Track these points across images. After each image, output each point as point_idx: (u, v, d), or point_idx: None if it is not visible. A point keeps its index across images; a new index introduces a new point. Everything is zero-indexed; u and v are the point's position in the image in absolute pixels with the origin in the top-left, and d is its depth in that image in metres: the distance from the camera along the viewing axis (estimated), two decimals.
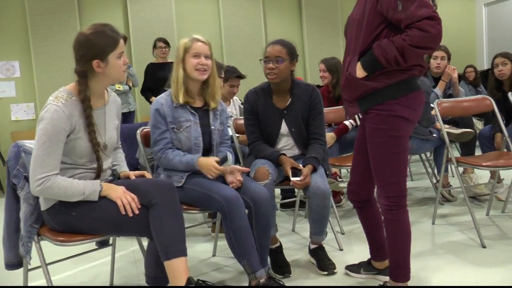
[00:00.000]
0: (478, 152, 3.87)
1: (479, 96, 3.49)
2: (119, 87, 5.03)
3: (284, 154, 2.54)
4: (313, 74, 7.12)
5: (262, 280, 2.08)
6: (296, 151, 2.66)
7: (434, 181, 4.00)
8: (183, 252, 1.86)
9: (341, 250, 2.82)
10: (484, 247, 2.72)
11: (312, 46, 7.41)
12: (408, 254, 2.03)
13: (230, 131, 2.94)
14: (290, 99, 2.60)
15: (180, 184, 2.26)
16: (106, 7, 6.38)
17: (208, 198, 2.16)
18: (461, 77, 6.58)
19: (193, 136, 2.33)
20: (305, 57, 7.44)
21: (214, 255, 2.89)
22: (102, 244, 2.46)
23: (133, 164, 3.31)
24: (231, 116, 3.41)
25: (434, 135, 3.54)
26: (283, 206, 3.83)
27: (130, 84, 5.23)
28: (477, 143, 3.91)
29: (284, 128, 2.62)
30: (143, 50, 6.29)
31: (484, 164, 2.91)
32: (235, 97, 3.73)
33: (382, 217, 2.05)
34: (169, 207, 1.89)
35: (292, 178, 2.38)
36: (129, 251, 3.07)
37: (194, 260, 2.85)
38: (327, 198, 2.35)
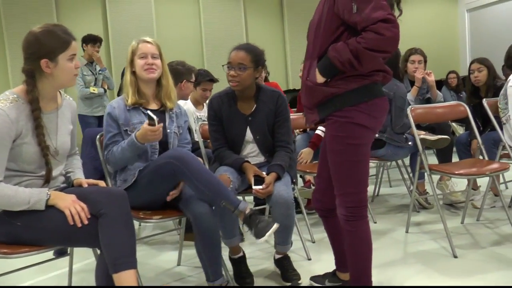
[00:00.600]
0: (456, 158, 3.84)
1: (453, 102, 3.46)
2: (94, 90, 4.94)
3: (247, 161, 2.47)
4: (295, 76, 7.07)
5: (247, 211, 2.08)
6: (261, 158, 2.59)
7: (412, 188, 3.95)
8: (132, 265, 1.78)
9: (309, 259, 2.76)
10: (455, 256, 2.68)
11: (294, 48, 7.33)
12: (369, 266, 1.97)
13: (196, 136, 2.86)
14: (255, 105, 2.53)
15: (134, 179, 2.20)
16: (84, 8, 6.29)
17: (160, 168, 2.13)
18: (443, 82, 6.57)
19: None
20: (286, 59, 7.39)
21: (179, 264, 2.81)
22: (60, 254, 2.37)
23: (101, 170, 3.21)
24: (204, 121, 3.34)
25: (410, 143, 3.48)
26: None
27: (106, 87, 5.14)
28: (455, 149, 3.87)
29: (249, 135, 2.55)
30: (122, 52, 6.18)
31: (456, 172, 2.86)
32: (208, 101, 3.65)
33: None
34: (119, 217, 1.81)
35: (254, 186, 2.31)
36: (94, 260, 2.97)
37: (158, 269, 2.77)
38: (290, 207, 2.28)
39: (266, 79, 4.23)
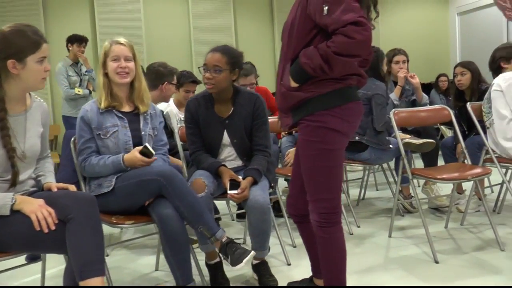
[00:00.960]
0: (442, 162, 3.81)
1: (437, 105, 3.43)
2: (79, 91, 4.88)
3: (224, 165, 2.43)
4: None
5: (224, 239, 2.09)
6: (239, 162, 2.55)
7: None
8: (99, 272, 1.73)
9: (289, 264, 2.72)
10: (436, 262, 2.65)
11: None
12: (343, 274, 1.92)
13: (178, 139, 2.82)
14: (232, 108, 2.49)
15: (111, 187, 2.16)
16: (72, 8, 6.22)
17: (144, 183, 2.09)
18: (433, 85, 6.56)
19: (122, 141, 2.24)
20: (276, 61, 7.33)
21: (157, 269, 2.76)
22: (32, 259, 2.32)
23: None
24: None
25: (391, 146, 3.44)
26: (239, 216, 3.71)
27: (91, 88, 5.08)
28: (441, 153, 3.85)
29: (226, 138, 2.51)
30: None
31: (439, 176, 2.83)
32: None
33: None
34: (87, 222, 1.76)
35: (229, 191, 2.27)
36: None
37: (135, 273, 2.72)
38: (266, 212, 2.25)
39: (256, 84, 4.17)
